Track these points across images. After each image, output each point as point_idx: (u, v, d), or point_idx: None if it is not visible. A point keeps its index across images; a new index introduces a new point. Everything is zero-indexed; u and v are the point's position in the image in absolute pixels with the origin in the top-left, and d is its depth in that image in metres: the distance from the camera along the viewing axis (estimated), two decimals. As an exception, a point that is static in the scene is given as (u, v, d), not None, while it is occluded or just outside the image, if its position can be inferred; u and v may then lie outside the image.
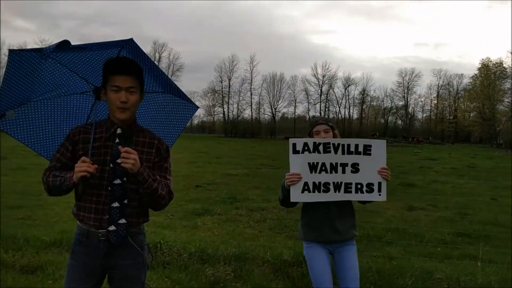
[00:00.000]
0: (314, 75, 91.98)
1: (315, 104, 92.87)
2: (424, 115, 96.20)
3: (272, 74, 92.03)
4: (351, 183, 2.93)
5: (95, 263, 2.27)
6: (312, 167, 2.89)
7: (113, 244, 2.24)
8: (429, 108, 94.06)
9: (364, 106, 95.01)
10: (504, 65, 69.09)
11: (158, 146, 2.37)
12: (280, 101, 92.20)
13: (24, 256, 4.93)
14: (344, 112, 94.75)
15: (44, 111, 2.56)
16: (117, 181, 2.23)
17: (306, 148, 2.88)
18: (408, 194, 11.62)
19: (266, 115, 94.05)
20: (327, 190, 2.92)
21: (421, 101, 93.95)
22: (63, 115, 2.61)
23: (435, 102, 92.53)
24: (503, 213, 9.66)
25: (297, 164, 2.88)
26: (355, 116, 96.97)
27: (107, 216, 2.22)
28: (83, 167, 2.07)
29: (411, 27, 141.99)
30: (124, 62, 2.21)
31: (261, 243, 6.01)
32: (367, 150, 2.91)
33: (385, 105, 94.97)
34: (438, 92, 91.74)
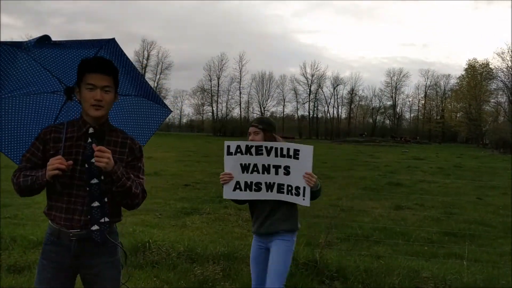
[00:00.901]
0: (303, 74, 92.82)
1: (304, 103, 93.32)
2: (412, 115, 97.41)
3: (261, 73, 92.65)
4: (283, 184, 3.05)
5: (66, 262, 2.25)
6: (244, 168, 3.07)
7: (83, 243, 2.23)
8: (417, 108, 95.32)
9: (352, 106, 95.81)
10: (491, 66, 70.08)
11: (131, 145, 2.36)
12: (269, 100, 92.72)
13: (10, 255, 4.89)
14: (333, 111, 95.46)
15: (12, 110, 2.47)
16: (94, 181, 2.20)
17: (238, 150, 3.06)
18: (396, 194, 11.72)
19: (255, 114, 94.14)
20: (258, 189, 3.08)
21: (409, 101, 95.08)
22: (31, 114, 2.54)
23: (423, 102, 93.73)
24: (489, 212, 9.82)
25: (230, 164, 3.09)
26: (343, 115, 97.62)
27: (89, 217, 2.20)
28: (55, 164, 2.06)
29: (399, 28, 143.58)
30: (101, 61, 2.20)
31: (250, 242, 5.99)
32: (296, 155, 3.00)
33: (373, 104, 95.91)
34: (425, 92, 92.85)
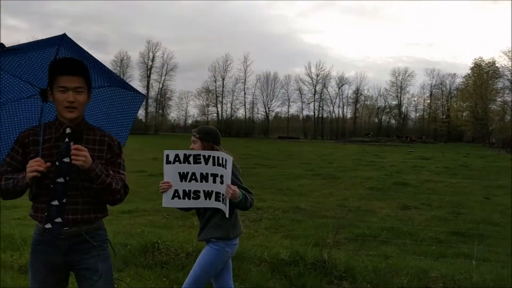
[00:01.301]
0: (308, 74, 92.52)
1: (309, 103, 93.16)
2: (417, 114, 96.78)
3: (265, 73, 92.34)
4: (220, 193, 3.07)
5: (57, 260, 2.29)
6: (182, 176, 3.08)
7: (72, 240, 2.27)
8: (422, 108, 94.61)
9: (358, 105, 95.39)
10: (497, 65, 69.55)
11: (109, 142, 2.38)
12: (273, 101, 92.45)
13: (22, 256, 4.93)
14: (338, 111, 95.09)
15: None
16: (60, 180, 2.23)
17: (177, 159, 3.08)
18: (402, 193, 11.70)
19: (259, 115, 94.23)
20: (197, 197, 3.09)
21: (414, 101, 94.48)
22: (13, 121, 2.59)
23: (428, 101, 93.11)
24: (496, 211, 9.77)
25: (169, 173, 3.10)
26: (349, 115, 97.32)
27: (46, 214, 2.23)
28: (34, 166, 2.10)
29: (404, 27, 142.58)
30: (70, 62, 2.22)
31: (258, 242, 6.04)
32: (225, 164, 3.04)
33: (378, 104, 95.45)
34: (431, 92, 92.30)
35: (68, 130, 2.27)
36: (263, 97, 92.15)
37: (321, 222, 7.75)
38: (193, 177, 3.08)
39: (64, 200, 2.24)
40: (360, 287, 4.56)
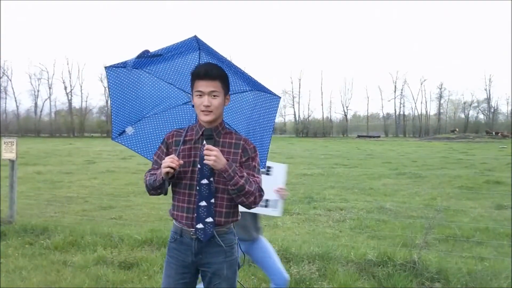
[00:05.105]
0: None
1: (389, 100, 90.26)
2: (509, 108, 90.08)
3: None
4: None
5: (188, 259, 2.39)
6: None
7: (203, 242, 2.35)
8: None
9: (442, 101, 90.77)
10: None
11: (245, 146, 2.42)
12: (352, 99, 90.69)
13: (120, 253, 5.29)
14: (421, 107, 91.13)
15: (156, 125, 2.77)
16: (204, 181, 2.32)
17: None
18: (496, 192, 10.96)
19: (338, 114, 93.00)
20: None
21: (506, 93, 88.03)
22: (174, 127, 2.77)
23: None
24: None
25: None
26: (432, 111, 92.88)
27: (195, 215, 2.33)
28: (167, 162, 2.20)
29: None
30: (207, 67, 2.30)
31: (343, 243, 5.98)
32: (268, 171, 3.21)
33: (465, 99, 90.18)
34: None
35: (205, 132, 2.37)
36: (341, 96, 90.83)
37: (408, 223, 7.50)
38: None
39: (212, 200, 2.35)
40: (454, 289, 4.37)
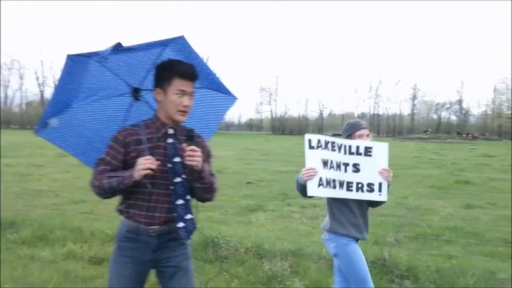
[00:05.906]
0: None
1: (364, 100, 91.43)
2: (480, 110, 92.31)
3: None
4: (352, 182, 3.00)
5: (146, 257, 2.35)
6: (325, 163, 2.94)
7: (163, 238, 2.34)
8: (485, 103, 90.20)
9: (415, 102, 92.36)
10: None
11: (203, 143, 2.42)
12: (328, 98, 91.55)
13: (91, 248, 5.21)
14: (395, 108, 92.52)
15: (83, 117, 2.53)
16: (178, 179, 2.27)
17: (319, 144, 2.94)
18: (465, 192, 11.23)
19: (313, 112, 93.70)
20: (334, 187, 2.97)
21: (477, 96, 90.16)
22: (100, 119, 2.60)
23: (492, 96, 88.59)
24: None
25: (312, 159, 2.92)
26: (406, 112, 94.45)
27: (175, 214, 2.28)
28: (146, 164, 2.13)
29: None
30: (191, 68, 2.27)
31: (316, 239, 6.01)
32: (367, 152, 3.00)
33: (438, 100, 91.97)
34: (494, 86, 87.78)
35: (171, 131, 2.32)
36: (317, 94, 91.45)
37: (380, 221, 7.59)
38: (332, 165, 2.96)
39: (188, 197, 2.30)
40: (423, 287, 4.45)
